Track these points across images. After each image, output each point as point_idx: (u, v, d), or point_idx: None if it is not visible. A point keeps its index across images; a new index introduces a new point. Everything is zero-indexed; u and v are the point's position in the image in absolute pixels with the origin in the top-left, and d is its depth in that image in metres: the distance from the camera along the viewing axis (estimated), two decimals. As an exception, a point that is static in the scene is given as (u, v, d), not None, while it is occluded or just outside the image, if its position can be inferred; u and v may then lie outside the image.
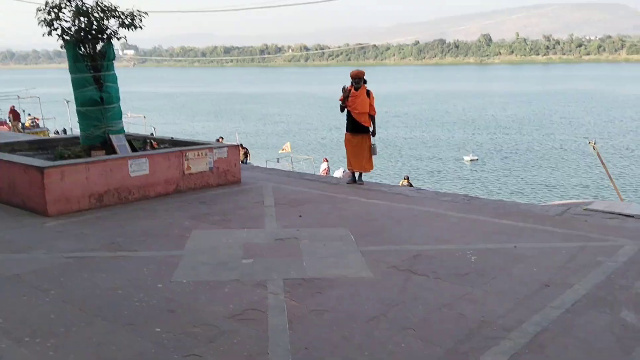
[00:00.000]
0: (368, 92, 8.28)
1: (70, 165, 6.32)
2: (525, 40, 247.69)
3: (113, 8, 7.15)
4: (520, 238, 5.52)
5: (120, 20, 7.19)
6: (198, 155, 7.54)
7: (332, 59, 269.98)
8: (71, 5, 7.01)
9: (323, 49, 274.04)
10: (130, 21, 7.21)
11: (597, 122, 61.09)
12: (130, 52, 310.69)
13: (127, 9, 7.30)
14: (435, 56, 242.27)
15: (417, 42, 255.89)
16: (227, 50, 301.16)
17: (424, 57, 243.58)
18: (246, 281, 4.40)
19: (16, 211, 6.55)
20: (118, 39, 7.22)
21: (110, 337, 3.45)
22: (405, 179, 19.84)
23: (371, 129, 8.40)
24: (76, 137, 8.30)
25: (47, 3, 7.09)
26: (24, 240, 5.51)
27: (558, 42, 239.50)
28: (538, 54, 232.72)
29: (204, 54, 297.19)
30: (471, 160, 43.59)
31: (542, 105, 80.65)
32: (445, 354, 3.22)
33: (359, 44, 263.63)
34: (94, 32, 7.00)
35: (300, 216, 6.35)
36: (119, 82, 7.60)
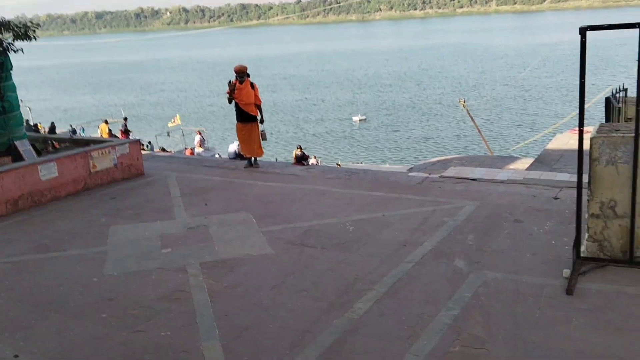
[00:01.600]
0: (252, 84, 9.28)
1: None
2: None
3: (7, 22, 7.45)
4: (388, 207, 6.87)
5: (14, 33, 7.51)
6: (102, 153, 8.16)
7: (214, 20, 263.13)
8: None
9: (203, 10, 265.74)
10: (24, 33, 7.55)
11: (469, 75, 65.81)
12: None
13: (20, 22, 7.62)
14: (318, 14, 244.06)
15: (299, 1, 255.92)
16: (99, 16, 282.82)
17: (308, 16, 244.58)
18: (169, 268, 5.34)
19: None
20: (15, 51, 7.55)
21: (66, 325, 4.29)
22: (298, 148, 21.01)
23: (259, 117, 9.42)
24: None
25: None
26: (-47, 252, 6.00)
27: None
28: (416, 9, 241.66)
29: (73, 21, 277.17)
30: (360, 120, 45.87)
31: (420, 60, 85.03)
32: (329, 306, 4.41)
33: (241, 3, 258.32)
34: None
35: (206, 204, 7.29)
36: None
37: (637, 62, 4.48)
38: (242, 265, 5.32)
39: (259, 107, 9.42)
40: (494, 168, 9.24)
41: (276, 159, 34.25)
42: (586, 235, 5.03)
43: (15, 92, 7.87)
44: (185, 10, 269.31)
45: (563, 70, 61.68)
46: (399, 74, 71.85)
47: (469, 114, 25.74)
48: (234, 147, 23.01)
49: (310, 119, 48.38)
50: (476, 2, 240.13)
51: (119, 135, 30.64)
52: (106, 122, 25.47)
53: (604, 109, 6.29)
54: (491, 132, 36.30)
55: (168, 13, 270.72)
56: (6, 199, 7.00)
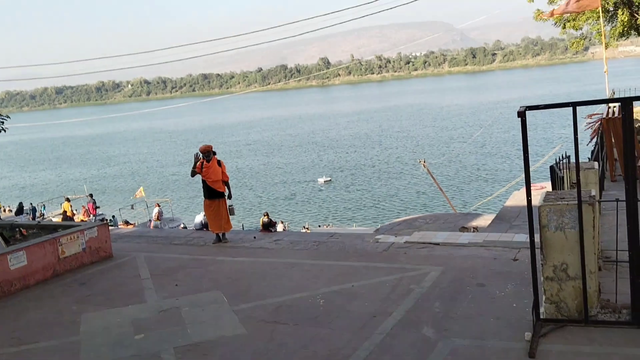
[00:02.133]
0: (219, 162, 9.59)
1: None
2: (360, 61, 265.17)
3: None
4: (357, 277, 7.06)
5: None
6: (71, 239, 8.18)
7: (176, 90, 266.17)
8: None
9: (164, 81, 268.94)
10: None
11: (427, 134, 67.90)
12: None
13: (-12, 114, 7.81)
14: (279, 81, 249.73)
15: (260, 69, 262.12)
16: (60, 91, 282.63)
17: (269, 83, 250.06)
18: (143, 355, 5.36)
19: None
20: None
21: None
22: (265, 215, 21.17)
23: (226, 193, 9.67)
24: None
25: None
26: None
27: (389, 61, 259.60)
28: (373, 73, 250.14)
29: (33, 97, 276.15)
30: (325, 181, 46.53)
31: (380, 121, 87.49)
32: (305, 385, 4.52)
33: (202, 74, 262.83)
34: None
35: (176, 285, 7.35)
36: None
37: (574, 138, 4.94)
38: (216, 348, 5.38)
39: (226, 183, 9.68)
40: (456, 232, 9.58)
41: (243, 226, 34.22)
42: (544, 297, 5.32)
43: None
44: (146, 82, 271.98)
45: (514, 126, 64.20)
46: (360, 135, 73.59)
47: (430, 173, 26.52)
48: (200, 217, 23.04)
49: (275, 183, 48.76)
50: (429, 64, 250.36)
51: (81, 211, 30.27)
52: (68, 199, 25.23)
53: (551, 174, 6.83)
54: (453, 189, 37.25)
55: (129, 85, 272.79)
56: (-26, 290, 6.93)
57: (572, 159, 7.29)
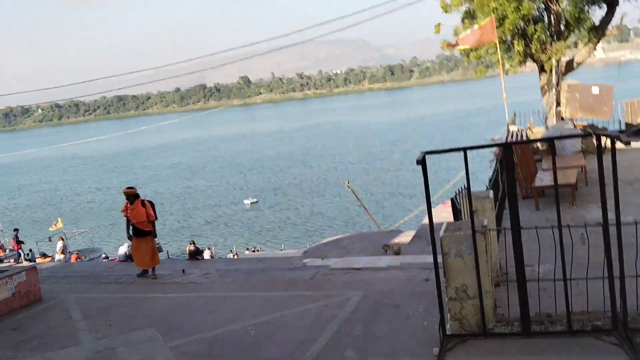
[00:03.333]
0: (143, 203, 9.90)
1: None
2: (281, 79, 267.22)
3: None
4: (285, 306, 7.57)
5: None
6: (0, 285, 8.17)
7: (90, 113, 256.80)
8: None
9: (77, 104, 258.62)
10: None
11: (350, 151, 69.72)
12: None
13: None
14: (198, 101, 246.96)
15: (178, 89, 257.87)
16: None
17: (188, 103, 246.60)
18: (83, 397, 5.60)
19: None
20: None
21: None
22: (191, 243, 21.20)
23: (152, 232, 9.99)
24: None
25: None
26: None
27: (310, 78, 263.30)
28: (295, 91, 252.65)
29: None
30: (252, 203, 46.76)
31: (303, 140, 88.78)
32: (241, 413, 4.97)
33: (117, 95, 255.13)
34: None
35: (110, 325, 7.55)
36: None
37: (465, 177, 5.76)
38: (155, 385, 5.71)
39: (152, 222, 9.97)
40: (376, 255, 10.31)
41: (167, 253, 33.79)
42: (448, 315, 6.07)
43: None
44: (58, 106, 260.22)
45: (430, 142, 67.26)
46: (283, 155, 74.36)
47: (354, 193, 27.55)
48: (124, 248, 22.65)
49: (199, 207, 48.38)
50: (350, 81, 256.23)
51: (7, 246, 28.86)
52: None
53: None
54: (376, 206, 38.58)
55: (40, 110, 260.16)
56: None
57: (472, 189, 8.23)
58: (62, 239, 29.00)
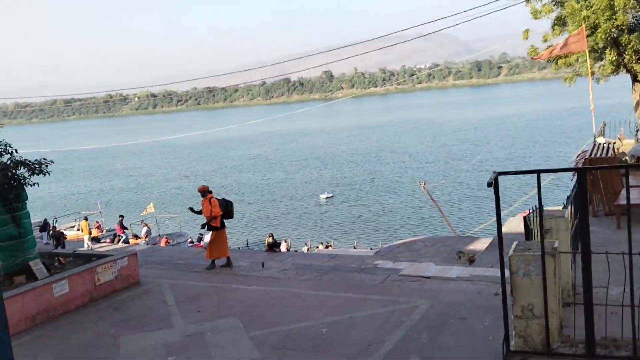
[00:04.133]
0: (210, 201, 10.81)
1: (10, 298, 7.72)
2: (363, 74, 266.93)
3: (24, 160, 8.68)
4: (355, 308, 8.06)
5: (29, 168, 8.74)
6: (105, 268, 9.23)
7: (181, 104, 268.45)
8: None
9: (170, 94, 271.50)
10: (39, 168, 8.79)
11: (429, 150, 68.89)
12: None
13: (35, 160, 8.88)
14: (282, 95, 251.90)
15: (264, 83, 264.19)
16: (68, 103, 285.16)
17: (272, 97, 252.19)
18: (175, 376, 6.37)
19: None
20: (31, 185, 8.74)
21: None
22: (269, 236, 22.14)
23: (219, 226, 11.12)
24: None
25: None
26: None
27: (393, 74, 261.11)
28: (376, 86, 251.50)
29: (42, 109, 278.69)
30: (327, 197, 47.50)
31: (380, 137, 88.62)
32: (312, 404, 5.52)
33: (207, 87, 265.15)
34: (11, 182, 8.49)
35: (199, 311, 8.37)
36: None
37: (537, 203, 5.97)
38: (237, 370, 6.39)
39: (215, 217, 11.02)
40: (447, 265, 10.53)
41: (247, 242, 35.19)
42: (513, 332, 6.31)
43: (29, 218, 9.01)
44: (153, 95, 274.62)
45: (515, 143, 65.20)
46: (360, 150, 74.66)
47: (430, 195, 27.48)
48: (208, 237, 24.07)
49: (276, 199, 49.68)
50: (434, 77, 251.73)
51: (94, 226, 31.28)
52: (86, 218, 26.40)
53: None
54: (453, 210, 38.09)
55: (136, 99, 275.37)
56: (25, 316, 7.97)
57: (546, 207, 8.34)
58: (147, 225, 30.99)
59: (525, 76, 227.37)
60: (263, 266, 11.11)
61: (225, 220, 11.37)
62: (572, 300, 7.09)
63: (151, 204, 38.01)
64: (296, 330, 7.41)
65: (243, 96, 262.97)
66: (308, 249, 29.32)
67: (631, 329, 5.83)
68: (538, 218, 6.22)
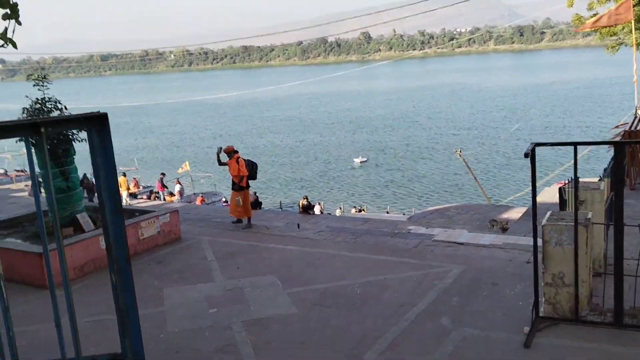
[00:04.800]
0: (238, 160, 11.27)
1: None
2: (402, 36, 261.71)
3: (73, 117, 9.07)
4: (388, 270, 8.33)
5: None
6: (149, 223, 9.69)
7: (217, 62, 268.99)
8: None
9: (206, 52, 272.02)
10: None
11: (466, 116, 67.84)
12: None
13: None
14: (319, 55, 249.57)
15: (300, 43, 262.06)
16: (105, 58, 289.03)
17: (308, 57, 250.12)
18: (217, 326, 6.78)
19: (18, 287, 8.35)
20: (79, 141, 9.17)
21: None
22: (304, 198, 22.56)
23: (245, 186, 11.57)
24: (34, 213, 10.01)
25: (21, 117, 8.91)
26: (41, 312, 7.44)
27: (432, 37, 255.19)
28: (415, 49, 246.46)
29: (79, 63, 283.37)
30: (361, 161, 47.60)
31: (417, 101, 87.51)
32: (345, 357, 5.85)
33: (243, 46, 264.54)
34: (60, 137, 8.94)
35: (237, 268, 8.77)
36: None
37: (572, 178, 6.03)
38: (274, 324, 6.76)
39: (242, 177, 11.44)
40: (479, 233, 10.64)
41: (280, 203, 35.74)
42: (543, 299, 6.49)
43: (77, 172, 9.48)
44: (189, 52, 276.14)
45: (553, 111, 63.63)
46: (395, 114, 74.02)
47: (465, 163, 27.34)
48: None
49: (310, 161, 49.99)
50: (474, 41, 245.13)
51: (132, 184, 32.16)
52: (124, 175, 27.21)
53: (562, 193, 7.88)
54: (488, 177, 37.79)
55: (172, 56, 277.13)
56: (74, 266, 8.49)
57: (583, 178, 8.34)
58: (180, 183, 31.72)
59: (569, 43, 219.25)
60: (299, 227, 11.44)
61: (249, 181, 11.81)
62: (603, 270, 7.18)
63: (187, 163, 38.69)
64: (332, 289, 7.73)
65: (279, 56, 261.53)
66: (341, 212, 29.68)
67: (661, 301, 5.95)
68: (573, 189, 6.29)
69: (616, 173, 5.89)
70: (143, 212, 10.31)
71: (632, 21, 13.92)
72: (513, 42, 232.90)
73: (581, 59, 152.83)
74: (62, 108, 9.30)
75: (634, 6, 14.07)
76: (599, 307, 6.46)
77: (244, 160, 11.70)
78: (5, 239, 9.20)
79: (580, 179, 7.55)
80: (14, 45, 2.98)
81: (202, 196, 31.18)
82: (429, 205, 29.06)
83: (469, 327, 6.36)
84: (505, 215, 14.84)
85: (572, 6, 16.53)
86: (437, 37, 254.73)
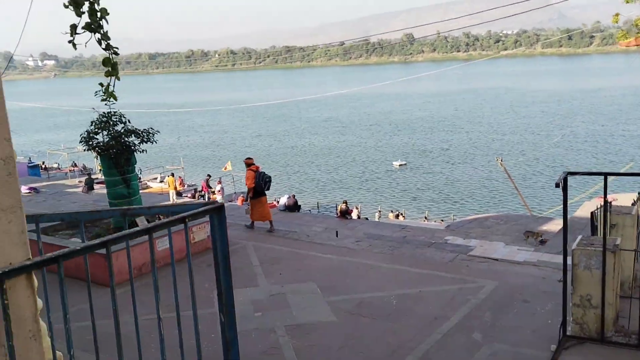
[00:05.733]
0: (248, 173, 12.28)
1: (121, 250, 8.98)
2: (446, 37, 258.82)
3: (135, 129, 9.89)
4: (423, 283, 8.76)
5: (139, 136, 9.94)
6: (200, 228, 10.38)
7: (260, 62, 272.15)
8: (104, 134, 9.73)
9: (250, 52, 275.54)
10: (147, 137, 9.98)
11: (508, 121, 66.95)
12: (51, 62, 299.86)
13: (144, 129, 10.07)
14: (360, 56, 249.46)
15: (342, 43, 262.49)
16: (152, 57, 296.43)
17: (350, 58, 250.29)
18: (262, 329, 7.36)
19: (82, 284, 9.12)
20: (140, 151, 9.96)
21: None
22: (343, 202, 23.04)
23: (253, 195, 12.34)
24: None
25: (89, 129, 9.75)
26: (104, 308, 8.17)
27: (477, 39, 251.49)
28: (459, 51, 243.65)
29: (128, 62, 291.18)
30: (400, 165, 47.75)
31: (459, 104, 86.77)
32: (380, 366, 6.33)
33: (286, 46, 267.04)
34: (123, 147, 9.74)
35: (280, 274, 9.35)
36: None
37: (603, 201, 6.35)
38: (315, 330, 7.30)
39: (250, 189, 12.32)
40: (515, 248, 10.91)
41: (317, 204, 36.22)
42: (571, 318, 6.81)
43: (137, 180, 10.29)
44: (232, 52, 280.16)
45: (597, 119, 62.15)
46: (436, 118, 73.68)
47: (507, 172, 27.24)
48: (284, 199, 25.23)
49: (348, 162, 50.34)
50: (521, 44, 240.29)
51: (177, 182, 33.28)
52: (172, 174, 28.29)
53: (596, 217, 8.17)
54: (529, 186, 37.35)
55: (217, 55, 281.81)
56: (134, 266, 9.23)
57: (624, 192, 8.56)
58: (221, 183, 32.63)
59: (619, 48, 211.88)
60: (337, 235, 11.95)
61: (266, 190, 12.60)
62: (631, 293, 7.43)
63: (229, 162, 39.63)
64: (369, 299, 8.22)
65: (321, 56, 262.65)
66: (380, 217, 30.03)
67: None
68: (602, 216, 6.60)
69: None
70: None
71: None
72: (561, 46, 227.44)
73: (631, 65, 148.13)
74: (125, 122, 10.08)
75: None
76: (624, 329, 6.75)
77: (255, 172, 12.41)
78: (71, 239, 10.03)
79: (618, 195, 7.86)
80: (115, 98, 3.57)
81: (242, 196, 31.91)
82: (468, 211, 29.13)
83: (499, 343, 6.75)
84: (544, 227, 14.97)
85: (617, 22, 16.47)
86: (482, 39, 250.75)
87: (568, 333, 6.75)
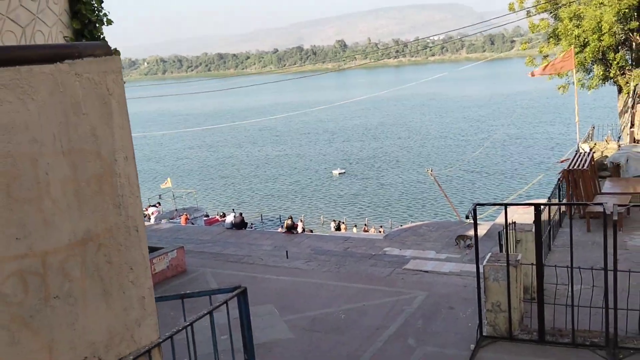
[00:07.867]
0: None
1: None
2: (377, 44, 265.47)
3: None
4: (366, 297, 10.12)
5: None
6: (160, 259, 11.34)
7: (191, 70, 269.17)
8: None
9: (180, 60, 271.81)
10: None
11: (435, 127, 70.28)
12: None
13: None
14: (295, 64, 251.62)
15: (276, 50, 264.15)
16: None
17: (285, 65, 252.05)
18: (228, 350, 8.44)
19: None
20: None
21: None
22: (289, 218, 24.23)
23: None
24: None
25: None
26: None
27: (406, 45, 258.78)
28: (390, 57, 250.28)
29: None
30: (339, 173, 49.38)
31: (390, 111, 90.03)
32: (334, 373, 7.62)
33: (218, 53, 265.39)
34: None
35: (240, 297, 10.45)
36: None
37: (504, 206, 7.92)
38: (276, 346, 8.49)
39: None
40: (441, 261, 12.54)
41: (261, 217, 37.09)
42: (485, 321, 8.34)
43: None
44: (162, 60, 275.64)
45: (515, 123, 66.25)
46: (370, 125, 76.26)
47: (437, 182, 29.03)
48: (230, 218, 26.07)
49: (288, 172, 51.41)
50: (447, 50, 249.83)
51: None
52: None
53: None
54: (458, 193, 39.73)
55: (145, 64, 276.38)
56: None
57: (533, 200, 10.27)
58: (150, 206, 32.96)
59: (538, 51, 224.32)
60: (287, 256, 13.19)
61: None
62: (531, 297, 9.08)
63: (169, 179, 39.17)
64: (320, 315, 9.49)
65: (255, 64, 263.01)
66: (322, 223, 31.44)
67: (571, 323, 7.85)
68: (505, 238, 8.20)
69: (536, 233, 7.81)
70: (155, 249, 11.93)
71: (574, 70, 16.05)
72: (484, 51, 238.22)
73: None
74: None
75: (577, 53, 16.24)
76: (527, 327, 8.35)
77: None
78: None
79: (529, 202, 9.49)
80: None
81: (186, 214, 32.07)
82: (405, 215, 30.94)
83: (429, 346, 8.18)
84: (471, 232, 16.81)
85: (525, 49, 18.73)
86: (411, 46, 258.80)
87: (484, 334, 8.27)
